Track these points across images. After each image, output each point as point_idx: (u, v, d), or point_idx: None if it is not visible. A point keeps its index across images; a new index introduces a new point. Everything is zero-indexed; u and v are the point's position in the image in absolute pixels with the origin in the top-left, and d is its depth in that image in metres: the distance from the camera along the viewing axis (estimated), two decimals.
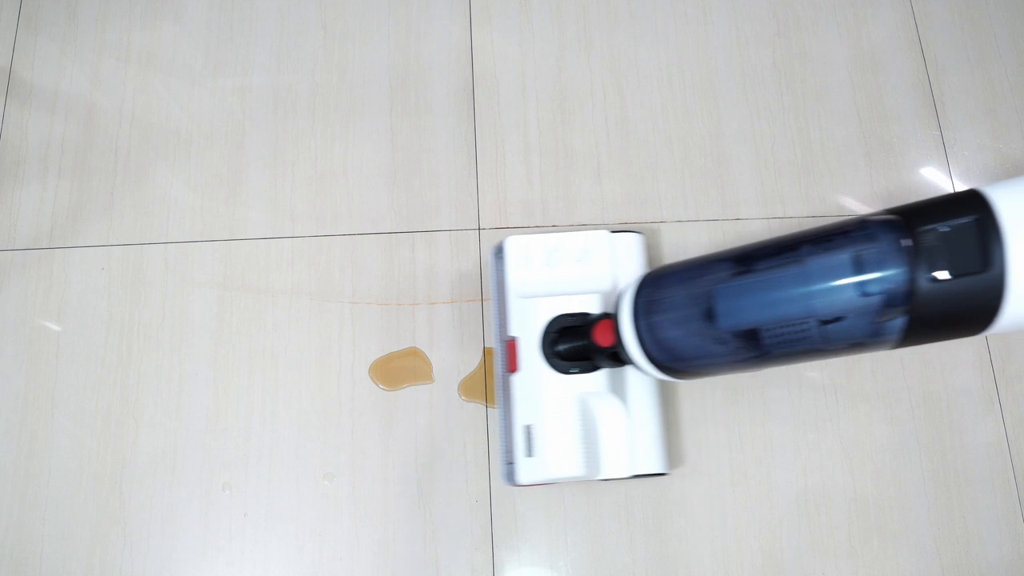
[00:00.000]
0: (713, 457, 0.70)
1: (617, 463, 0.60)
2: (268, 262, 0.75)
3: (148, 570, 0.67)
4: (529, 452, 0.62)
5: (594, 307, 0.65)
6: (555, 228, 0.76)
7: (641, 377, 0.63)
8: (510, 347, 0.65)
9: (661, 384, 0.67)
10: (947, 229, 0.40)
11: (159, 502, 0.69)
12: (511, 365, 0.65)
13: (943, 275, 0.40)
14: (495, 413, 0.71)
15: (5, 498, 0.69)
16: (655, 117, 0.80)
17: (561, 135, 0.79)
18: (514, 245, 0.65)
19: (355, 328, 0.73)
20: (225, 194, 0.77)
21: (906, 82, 0.82)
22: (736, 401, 0.72)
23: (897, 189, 0.78)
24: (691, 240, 0.76)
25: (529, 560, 0.68)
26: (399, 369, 0.72)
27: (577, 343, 0.63)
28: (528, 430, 0.62)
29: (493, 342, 0.72)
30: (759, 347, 0.48)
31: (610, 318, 0.58)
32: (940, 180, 0.79)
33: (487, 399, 0.71)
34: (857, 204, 0.78)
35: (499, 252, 0.67)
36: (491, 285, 0.73)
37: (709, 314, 0.50)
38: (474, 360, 0.72)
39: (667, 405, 0.71)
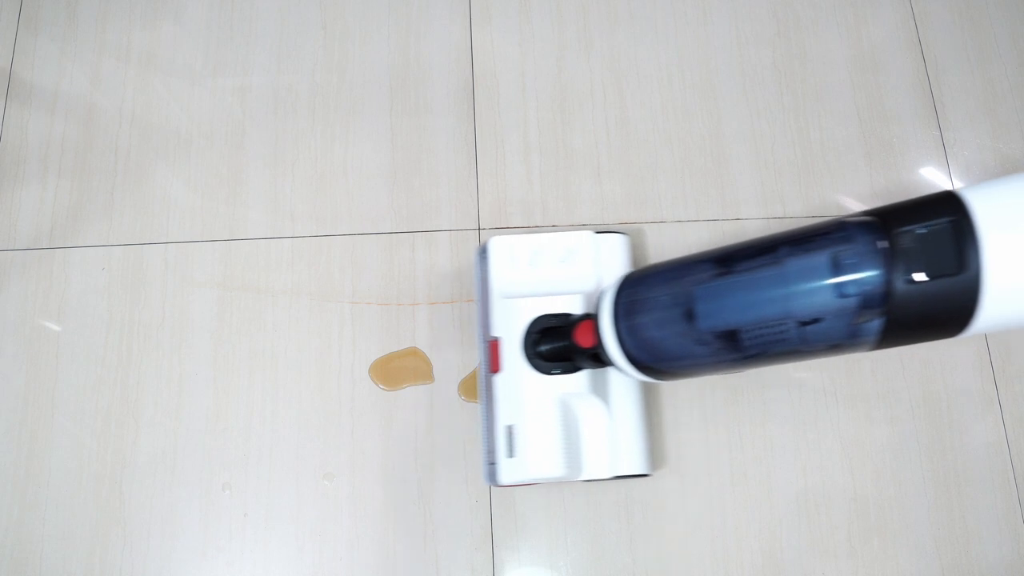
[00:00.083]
0: (713, 457, 0.70)
1: (598, 464, 0.60)
2: (268, 262, 0.75)
3: (148, 570, 0.67)
4: (511, 452, 0.62)
5: (578, 308, 0.65)
6: (555, 228, 0.76)
7: (623, 378, 0.63)
8: (492, 347, 0.65)
9: (644, 385, 0.67)
10: (923, 231, 0.40)
11: (159, 502, 0.69)
12: (493, 365, 0.64)
13: (919, 277, 0.40)
14: None
15: (5, 498, 0.69)
16: (655, 117, 0.80)
17: (561, 135, 0.79)
18: (498, 245, 0.65)
19: (355, 328, 0.73)
20: (225, 194, 0.77)
21: (906, 82, 0.82)
22: (736, 401, 0.72)
23: (897, 189, 0.78)
24: (691, 240, 0.76)
25: (529, 560, 0.68)
26: (399, 369, 0.72)
27: (559, 344, 0.63)
28: (510, 430, 0.62)
29: (476, 342, 0.72)
30: (739, 348, 0.48)
31: (591, 319, 0.58)
32: (940, 180, 0.79)
33: None
34: (857, 204, 0.78)
35: (483, 252, 0.67)
36: (475, 285, 0.73)
37: (689, 315, 0.50)
38: (474, 360, 0.72)
39: (651, 406, 0.71)
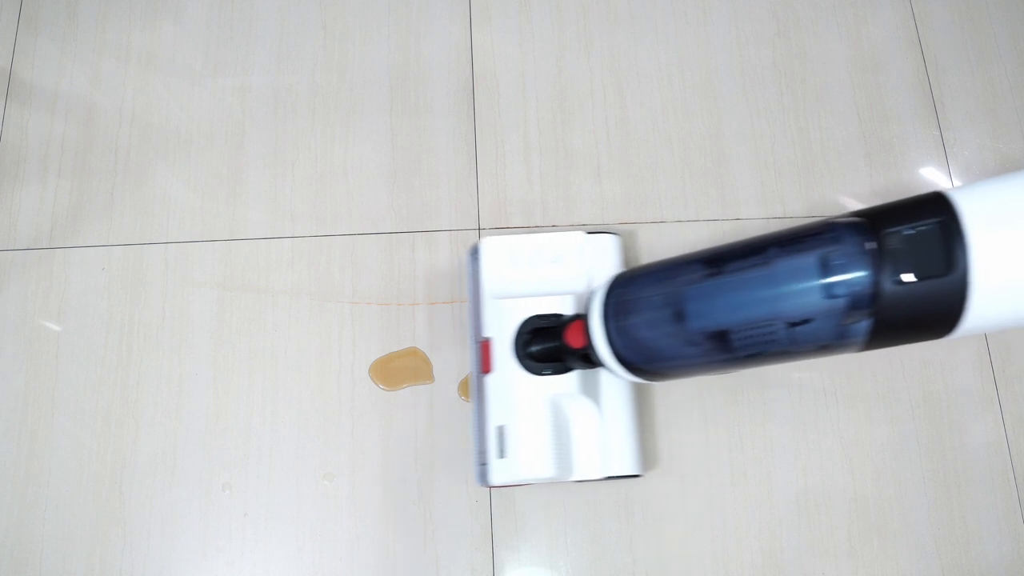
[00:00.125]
0: (713, 457, 0.70)
1: (589, 464, 0.60)
2: (268, 262, 0.75)
3: (148, 570, 0.67)
4: (501, 453, 0.62)
5: (569, 308, 0.65)
6: (555, 228, 0.76)
7: (614, 379, 0.63)
8: (484, 348, 0.65)
9: (635, 386, 0.67)
10: (911, 232, 0.40)
11: (159, 502, 0.69)
12: (485, 366, 0.64)
13: (907, 278, 0.40)
14: None
15: (5, 498, 0.69)
16: (655, 117, 0.80)
17: (561, 135, 0.79)
18: (489, 246, 0.65)
19: (355, 328, 0.73)
20: (225, 194, 0.77)
21: (906, 82, 0.82)
22: (736, 401, 0.72)
23: (897, 189, 0.78)
24: (691, 240, 0.76)
25: (529, 560, 0.68)
26: (399, 369, 0.72)
27: (549, 344, 0.63)
28: (501, 431, 0.62)
29: (468, 343, 0.72)
30: (728, 349, 0.48)
31: (582, 319, 0.58)
32: (940, 180, 0.79)
33: None
34: (857, 204, 0.78)
35: (474, 253, 0.67)
36: (467, 286, 0.73)
37: (678, 315, 0.50)
38: None
39: (643, 407, 0.71)
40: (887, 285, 0.40)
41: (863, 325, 0.42)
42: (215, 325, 0.73)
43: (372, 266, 0.75)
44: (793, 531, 0.69)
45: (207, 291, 0.74)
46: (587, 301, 0.57)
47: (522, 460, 0.61)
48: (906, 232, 0.40)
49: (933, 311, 0.40)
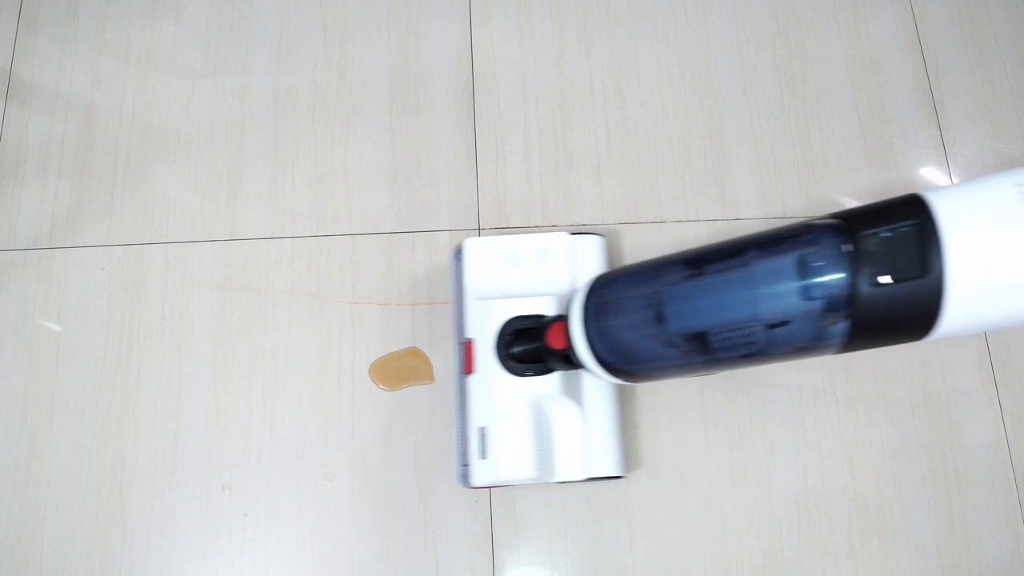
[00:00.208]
0: (713, 457, 0.70)
1: (571, 466, 0.60)
2: (268, 262, 0.75)
3: (148, 570, 0.67)
4: (483, 454, 0.61)
5: (552, 309, 0.65)
6: (555, 228, 0.76)
7: (597, 380, 0.63)
8: (466, 349, 0.65)
9: (619, 387, 0.67)
10: (888, 234, 0.40)
11: (159, 502, 0.69)
12: (467, 367, 0.64)
13: (884, 279, 0.40)
14: None
15: (5, 498, 0.69)
16: (655, 117, 0.80)
17: (561, 135, 0.79)
18: (472, 247, 0.65)
19: (355, 328, 0.73)
20: (225, 194, 0.77)
21: (906, 82, 0.82)
22: (736, 401, 0.72)
23: (897, 189, 0.78)
24: (690, 240, 0.76)
25: (529, 560, 0.68)
26: (399, 369, 0.72)
27: (531, 345, 0.63)
28: (482, 432, 0.62)
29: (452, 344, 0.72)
30: (707, 350, 0.48)
31: (563, 320, 0.58)
32: (940, 180, 0.79)
33: None
34: (857, 204, 0.78)
35: (458, 254, 0.67)
36: (451, 287, 0.73)
37: (658, 317, 0.50)
38: None
39: (626, 408, 0.71)
40: (864, 287, 0.40)
41: (840, 327, 0.42)
42: (215, 325, 0.73)
43: (372, 266, 0.75)
44: (793, 531, 0.69)
45: (207, 291, 0.74)
46: (568, 302, 0.57)
47: (504, 461, 0.61)
48: (883, 234, 0.40)
49: (909, 313, 0.40)
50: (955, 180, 0.79)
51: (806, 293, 0.42)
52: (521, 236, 0.66)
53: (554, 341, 0.59)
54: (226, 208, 0.76)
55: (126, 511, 0.68)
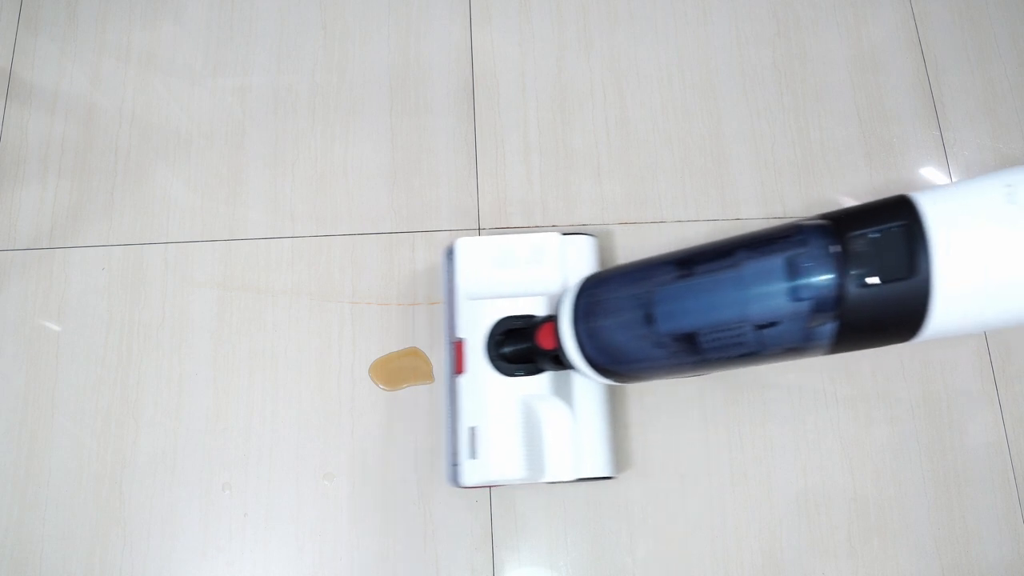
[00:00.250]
0: (713, 457, 0.70)
1: (561, 466, 0.61)
2: (268, 262, 0.75)
3: (148, 570, 0.67)
4: (473, 454, 0.61)
5: (543, 310, 0.65)
6: (555, 228, 0.76)
7: (587, 380, 0.63)
8: (457, 348, 0.65)
9: (609, 388, 0.67)
10: (876, 235, 0.40)
11: (159, 502, 0.69)
12: (458, 366, 0.64)
13: (871, 280, 0.40)
14: None
15: (5, 498, 0.69)
16: (655, 117, 0.80)
17: (561, 135, 0.79)
18: (464, 246, 0.65)
19: (355, 328, 0.73)
20: (225, 194, 0.77)
21: (906, 82, 0.82)
22: (736, 401, 0.72)
23: (897, 189, 0.78)
24: (690, 240, 0.76)
25: (529, 560, 0.68)
26: (399, 369, 0.72)
27: (521, 345, 0.63)
28: (473, 432, 0.62)
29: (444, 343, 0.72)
30: (697, 351, 0.48)
31: (553, 321, 0.58)
32: (940, 180, 0.79)
33: None
34: (855, 204, 0.78)
35: (449, 253, 0.67)
36: (443, 287, 0.73)
37: (647, 317, 0.50)
38: None
39: (616, 408, 0.71)
40: (852, 288, 0.40)
41: (828, 328, 0.42)
42: (215, 325, 0.73)
43: (372, 266, 0.75)
44: (793, 531, 0.69)
45: (207, 291, 0.74)
46: (558, 303, 0.57)
47: (493, 461, 0.61)
48: (871, 235, 0.40)
49: (897, 314, 0.40)
50: (955, 180, 0.79)
51: (794, 294, 0.42)
52: (513, 236, 0.66)
53: (544, 341, 0.59)
54: (226, 208, 0.76)
55: (126, 511, 0.68)
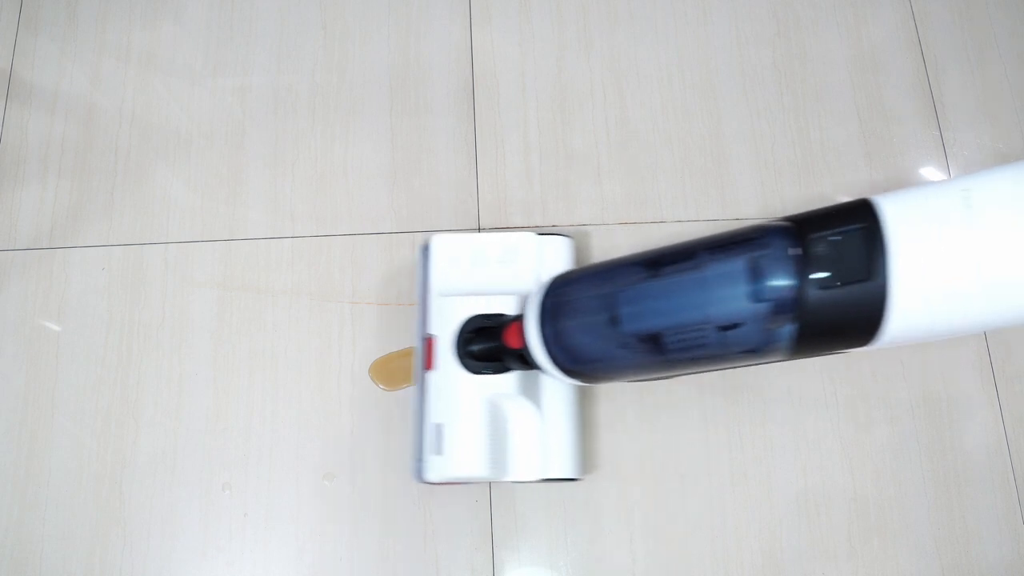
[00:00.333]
0: (713, 457, 0.70)
1: (526, 466, 0.61)
2: (268, 262, 0.75)
3: (148, 570, 0.67)
4: (438, 450, 0.62)
5: (515, 309, 0.65)
6: (555, 228, 0.76)
7: (556, 381, 0.63)
8: (428, 345, 0.65)
9: (578, 389, 0.67)
10: (836, 238, 0.40)
11: (159, 502, 0.69)
12: (427, 363, 0.65)
13: (830, 283, 0.40)
14: None
15: (5, 498, 0.69)
16: (655, 117, 0.80)
17: (561, 135, 0.79)
18: (439, 243, 0.65)
19: (355, 328, 0.73)
20: (225, 194, 0.77)
21: (906, 82, 0.82)
22: (736, 401, 0.72)
23: (897, 189, 0.78)
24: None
25: (529, 560, 0.68)
26: (399, 369, 0.72)
27: (490, 344, 0.63)
28: (439, 428, 0.62)
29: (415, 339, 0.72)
30: (661, 351, 0.48)
31: (521, 320, 0.58)
32: (940, 180, 0.79)
33: None
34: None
35: (425, 250, 0.67)
36: (417, 283, 0.72)
37: (612, 317, 0.50)
38: None
39: (584, 409, 0.70)
40: (811, 290, 0.40)
41: (788, 330, 0.42)
42: (215, 325, 0.73)
43: (372, 266, 0.75)
44: (793, 531, 0.69)
45: (207, 291, 0.74)
46: (524, 302, 0.57)
47: (458, 458, 0.61)
48: (830, 238, 0.40)
49: (855, 318, 0.40)
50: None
51: (755, 295, 0.43)
52: (488, 235, 0.66)
53: (511, 340, 0.59)
54: (226, 208, 0.76)
55: (126, 511, 0.68)
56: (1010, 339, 0.75)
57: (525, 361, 0.58)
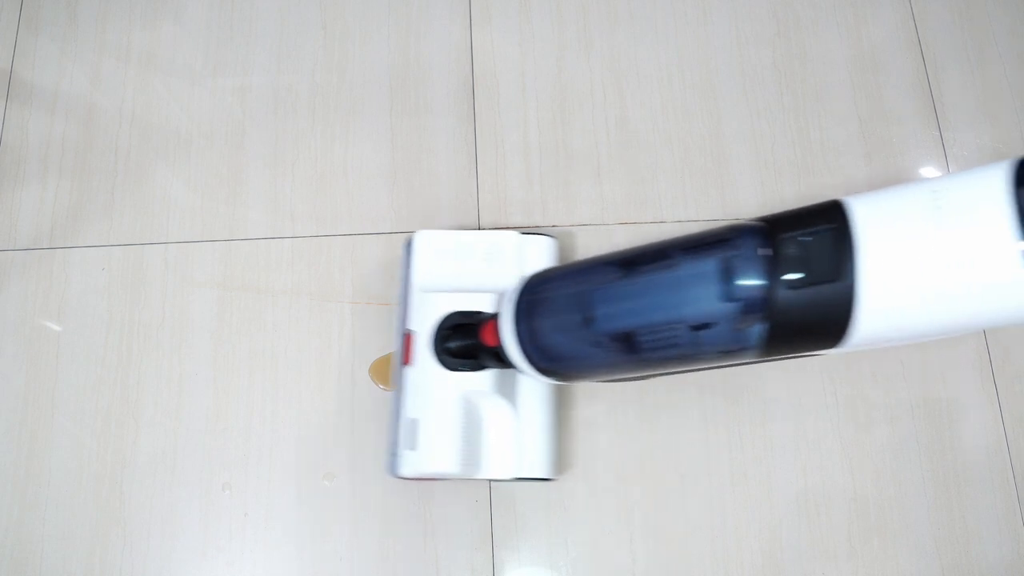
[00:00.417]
0: (713, 457, 0.70)
1: (499, 464, 0.61)
2: (268, 262, 0.75)
3: (148, 570, 0.67)
4: (413, 445, 0.62)
5: (494, 307, 0.65)
6: (555, 228, 0.76)
7: (532, 380, 0.63)
8: (407, 340, 0.65)
9: (555, 389, 0.67)
10: (806, 238, 0.40)
11: (159, 502, 0.69)
12: (405, 358, 0.65)
13: (799, 283, 0.40)
14: None
15: (5, 498, 0.69)
16: (655, 117, 0.80)
17: (561, 135, 0.79)
18: (422, 239, 0.65)
19: (355, 328, 0.73)
20: (225, 194, 0.77)
21: (906, 82, 0.82)
22: (736, 401, 0.72)
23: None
24: None
25: (529, 560, 0.68)
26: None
27: (466, 341, 0.63)
28: (414, 423, 0.62)
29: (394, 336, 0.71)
30: (634, 351, 0.48)
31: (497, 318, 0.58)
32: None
33: None
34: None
35: (409, 245, 0.67)
36: (400, 279, 0.72)
37: (586, 316, 0.50)
38: None
39: (561, 410, 0.70)
40: (781, 290, 0.40)
41: (758, 330, 0.42)
42: (215, 325, 0.73)
43: (372, 266, 0.75)
44: (793, 531, 0.69)
45: (207, 291, 0.74)
46: (501, 300, 0.57)
47: (431, 454, 0.61)
48: (800, 238, 0.40)
49: (824, 318, 0.40)
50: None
51: (725, 295, 0.43)
52: (472, 232, 0.66)
53: (488, 338, 0.59)
54: (226, 208, 0.76)
55: (126, 511, 0.68)
56: (1010, 339, 0.75)
57: (501, 359, 0.58)
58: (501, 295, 0.64)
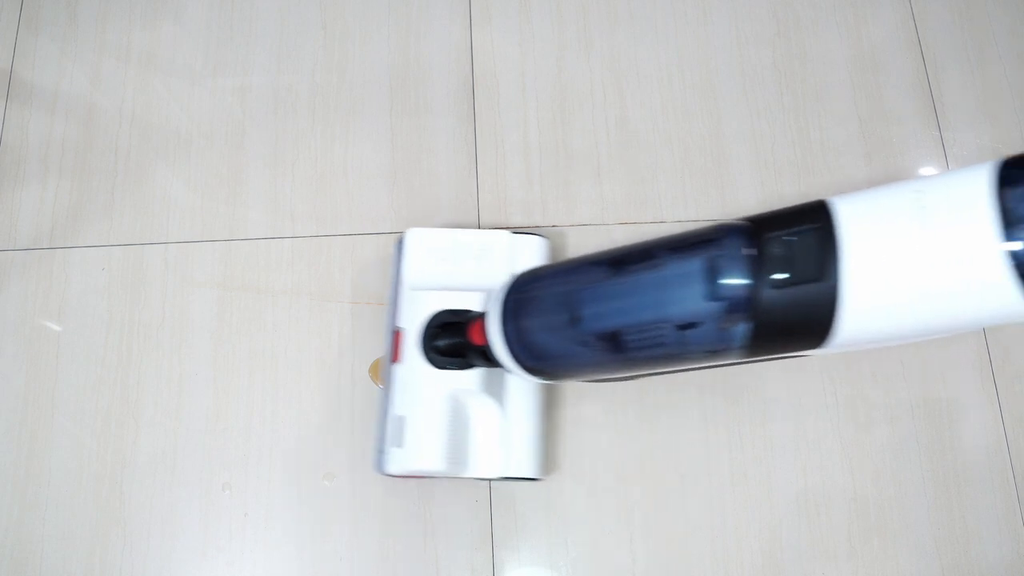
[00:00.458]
0: (713, 457, 0.70)
1: (487, 463, 0.61)
2: (268, 262, 0.75)
3: (148, 570, 0.67)
4: (400, 443, 0.62)
5: (483, 306, 0.65)
6: (555, 228, 0.76)
7: (521, 379, 0.63)
8: (396, 338, 0.65)
9: (543, 389, 0.67)
10: (791, 238, 0.40)
11: (159, 502, 0.69)
12: (394, 355, 0.65)
13: (783, 282, 0.40)
14: None
15: (5, 498, 0.69)
16: (655, 117, 0.80)
17: (561, 135, 0.79)
18: (413, 237, 0.65)
19: (355, 328, 0.73)
20: (225, 194, 0.77)
21: (906, 82, 0.82)
22: (736, 401, 0.72)
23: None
24: None
25: (529, 560, 0.68)
26: None
27: (455, 340, 0.63)
28: (401, 421, 0.62)
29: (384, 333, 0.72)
30: (621, 350, 0.48)
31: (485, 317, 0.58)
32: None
33: None
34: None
35: (400, 243, 0.67)
36: (391, 277, 0.72)
37: (573, 315, 0.50)
38: None
39: (549, 409, 0.70)
40: (765, 290, 0.40)
41: (743, 329, 0.42)
42: (215, 325, 0.73)
43: (372, 266, 0.75)
44: (793, 531, 0.69)
45: (207, 291, 0.74)
46: (488, 299, 0.57)
47: (418, 452, 0.61)
48: (784, 238, 0.40)
49: (808, 317, 0.40)
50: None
51: (710, 294, 0.43)
52: (463, 231, 0.66)
53: (475, 337, 0.59)
54: (226, 208, 0.76)
55: (126, 511, 0.68)
56: (1009, 339, 0.75)
57: (488, 358, 0.58)
58: (489, 294, 0.64)
